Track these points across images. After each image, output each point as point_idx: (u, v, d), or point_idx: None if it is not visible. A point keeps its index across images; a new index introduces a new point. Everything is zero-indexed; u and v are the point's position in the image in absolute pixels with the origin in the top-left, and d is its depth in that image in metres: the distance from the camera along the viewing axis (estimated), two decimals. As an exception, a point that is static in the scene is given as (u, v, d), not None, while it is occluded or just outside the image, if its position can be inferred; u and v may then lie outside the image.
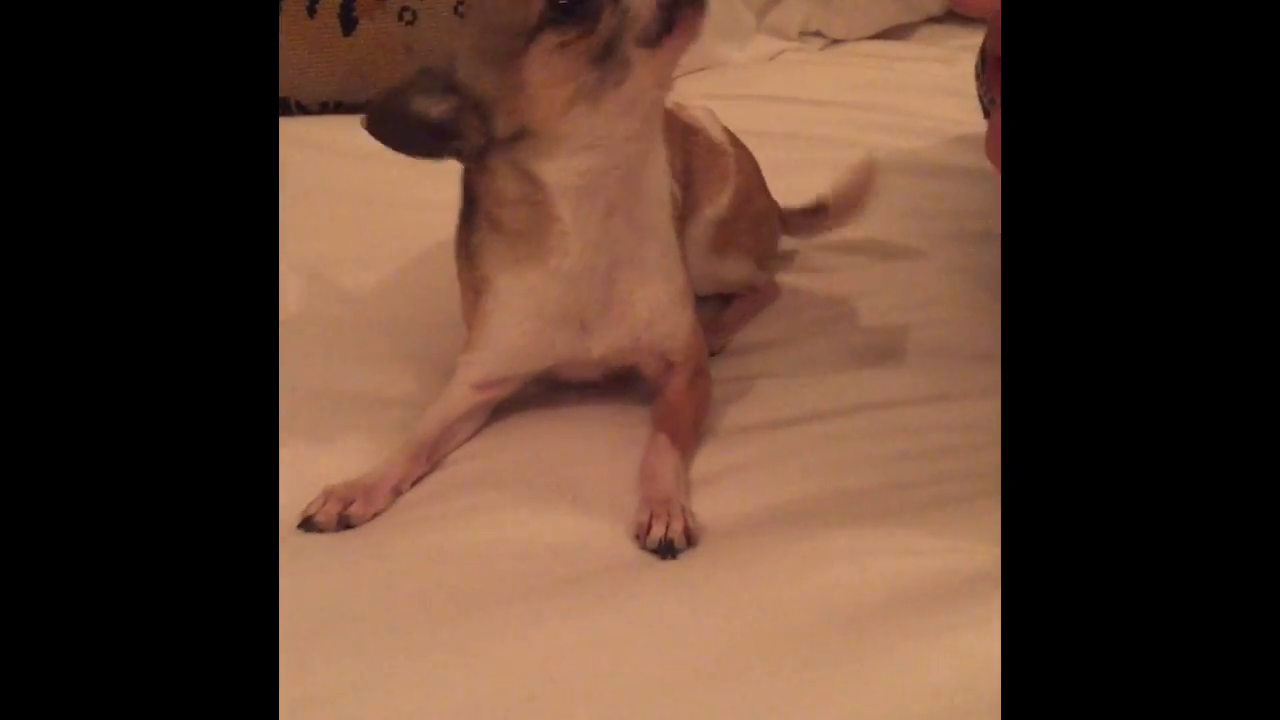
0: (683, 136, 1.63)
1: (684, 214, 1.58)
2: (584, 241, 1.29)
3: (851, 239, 1.88)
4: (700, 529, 1.18)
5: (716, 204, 1.65)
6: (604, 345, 1.37)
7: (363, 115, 1.23)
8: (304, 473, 1.29)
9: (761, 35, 2.85)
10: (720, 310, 1.70)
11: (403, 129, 1.22)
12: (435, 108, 1.22)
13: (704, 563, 1.14)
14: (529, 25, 1.16)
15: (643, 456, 1.30)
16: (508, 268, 1.33)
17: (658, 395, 1.41)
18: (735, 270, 1.69)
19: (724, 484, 1.29)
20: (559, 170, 1.25)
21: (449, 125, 1.22)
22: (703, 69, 2.66)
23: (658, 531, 1.16)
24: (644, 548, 1.16)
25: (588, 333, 1.35)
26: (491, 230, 1.34)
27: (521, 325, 1.35)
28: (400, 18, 2.20)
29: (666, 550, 1.15)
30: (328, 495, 1.27)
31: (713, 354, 1.58)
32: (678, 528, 1.16)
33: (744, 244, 1.69)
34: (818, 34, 2.89)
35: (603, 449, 1.36)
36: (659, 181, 1.36)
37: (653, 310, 1.37)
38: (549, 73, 1.17)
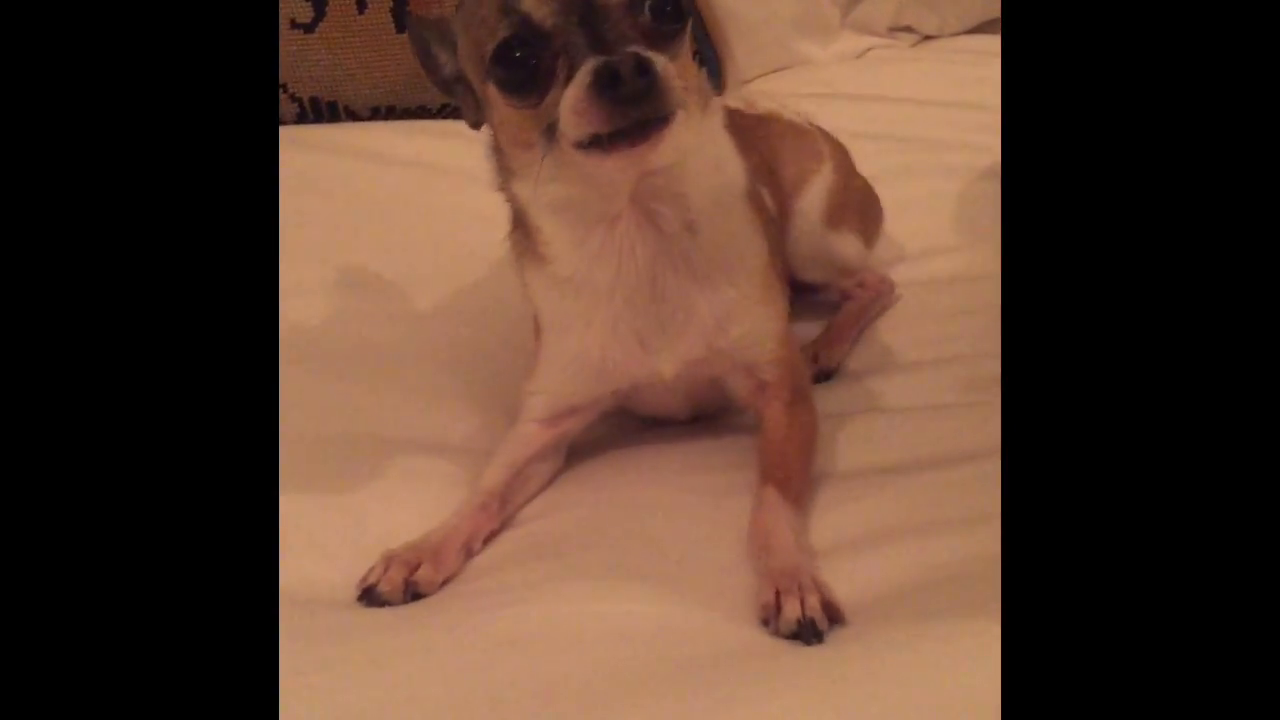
0: (758, 129, 1.54)
1: (782, 203, 1.49)
2: (579, 254, 1.18)
3: (955, 246, 1.70)
4: (841, 603, 0.97)
5: (821, 174, 1.57)
6: (675, 361, 1.21)
7: (408, 20, 1.24)
8: (354, 535, 1.14)
9: (847, 32, 2.66)
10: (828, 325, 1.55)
11: (424, 57, 1.21)
12: (445, 64, 1.20)
13: (856, 647, 0.92)
14: (484, 62, 1.08)
15: (752, 517, 1.10)
16: (531, 264, 1.24)
17: (758, 431, 1.23)
18: (848, 245, 1.60)
19: (852, 544, 1.08)
20: (526, 190, 1.16)
21: (452, 87, 1.20)
22: (783, 68, 2.48)
23: (792, 611, 0.95)
24: (776, 633, 0.95)
25: (651, 350, 1.21)
26: (519, 228, 1.26)
27: (572, 337, 1.22)
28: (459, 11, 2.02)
29: (809, 633, 0.94)
30: (389, 560, 1.11)
31: (827, 376, 1.45)
32: (815, 603, 0.96)
33: (852, 220, 1.61)
34: (908, 29, 2.71)
35: (696, 500, 1.18)
36: (714, 180, 1.20)
37: (722, 314, 1.21)
38: (503, 113, 1.11)
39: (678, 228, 1.17)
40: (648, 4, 1.04)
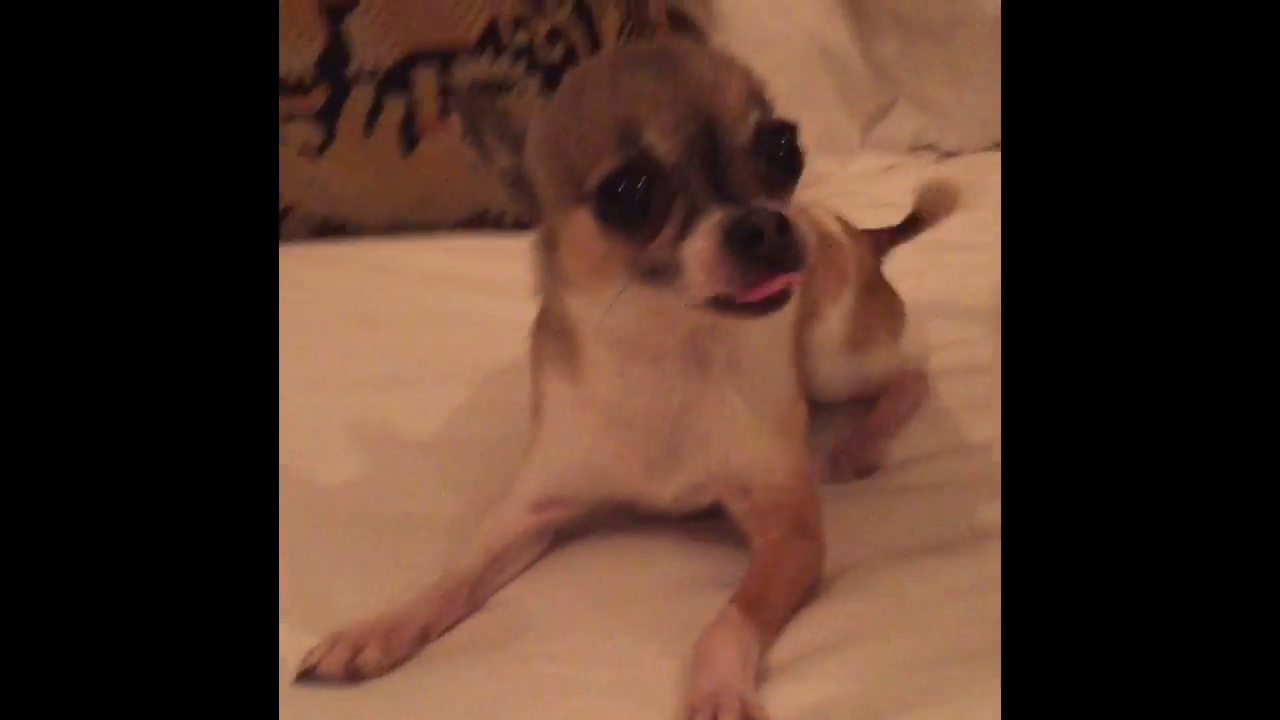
0: None
1: (801, 318, 1.40)
2: (618, 383, 1.12)
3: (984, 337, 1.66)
4: (764, 714, 0.90)
5: (841, 300, 1.46)
6: (675, 487, 1.15)
7: (455, 94, 1.19)
8: (319, 611, 1.08)
9: (868, 151, 2.62)
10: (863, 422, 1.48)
11: (474, 136, 1.12)
12: (500, 157, 1.10)
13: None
14: (583, 190, 0.98)
15: (704, 631, 1.01)
16: (558, 372, 1.17)
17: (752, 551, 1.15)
18: (879, 362, 1.51)
19: (817, 660, 1.01)
20: (583, 311, 1.09)
21: (506, 180, 1.11)
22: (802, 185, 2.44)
23: None
24: None
25: (655, 475, 1.15)
26: (546, 328, 1.19)
27: (575, 442, 1.17)
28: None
29: None
30: (336, 640, 1.03)
31: (868, 473, 1.38)
32: None
33: (879, 335, 1.52)
34: (930, 147, 2.66)
35: (682, 591, 1.11)
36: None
37: (731, 441, 1.14)
38: (589, 240, 1.00)
39: (723, 367, 1.12)
40: (767, 150, 0.97)
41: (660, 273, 0.95)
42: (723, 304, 0.93)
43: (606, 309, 1.02)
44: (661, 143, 0.94)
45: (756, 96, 0.99)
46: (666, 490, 1.16)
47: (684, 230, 0.93)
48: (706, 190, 0.93)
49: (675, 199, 0.94)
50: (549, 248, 1.08)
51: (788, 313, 1.16)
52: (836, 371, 1.45)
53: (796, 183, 1.00)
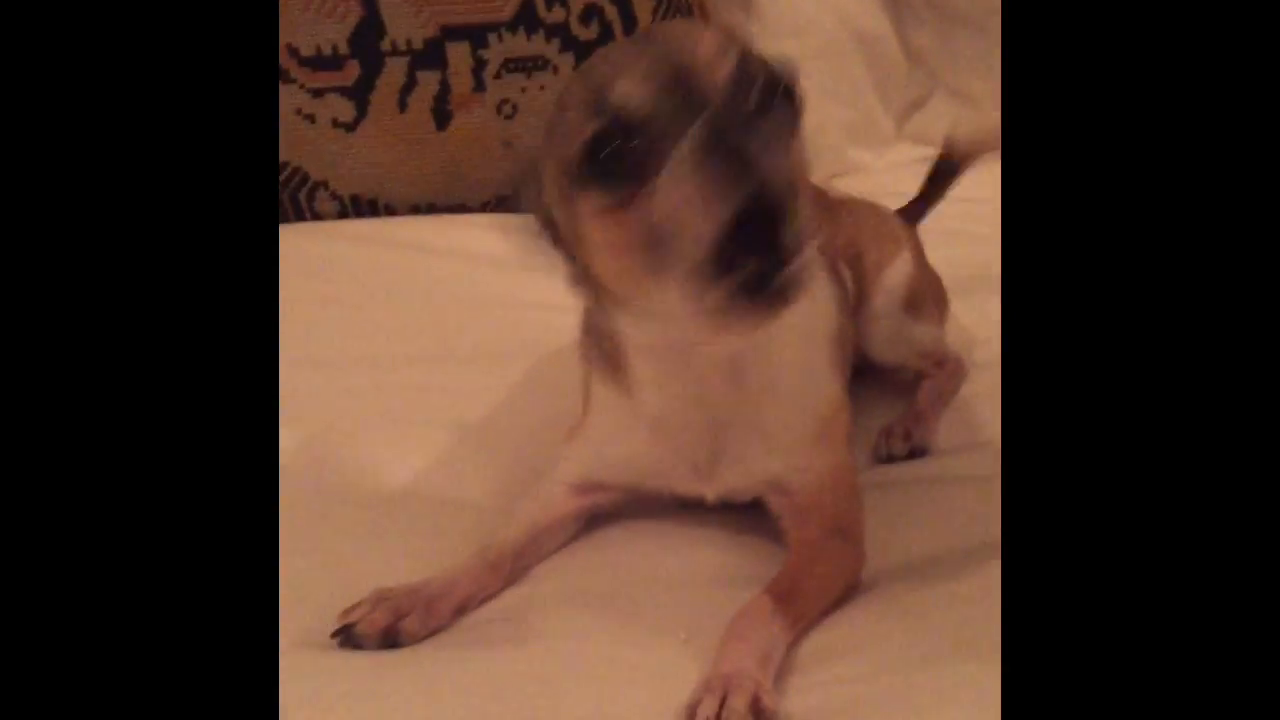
0: (841, 209, 1.50)
1: (863, 286, 1.44)
2: (664, 395, 1.11)
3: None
4: (776, 703, 0.88)
5: (900, 259, 1.52)
6: (719, 487, 1.15)
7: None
8: (349, 580, 1.06)
9: (903, 143, 2.59)
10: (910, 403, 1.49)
11: (531, 205, 1.06)
12: (532, 214, 1.05)
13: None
14: (572, 168, 0.93)
15: (731, 620, 0.99)
16: (603, 377, 1.17)
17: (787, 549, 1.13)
18: (926, 333, 1.54)
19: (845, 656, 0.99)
20: (629, 325, 1.06)
21: (544, 235, 1.04)
22: (836, 175, 2.41)
23: (705, 710, 0.86)
24: None
25: (700, 475, 1.14)
26: (591, 331, 1.18)
27: (620, 441, 1.17)
28: (499, 111, 1.99)
29: None
30: (379, 599, 1.02)
31: (922, 453, 1.38)
32: (739, 705, 0.86)
33: (929, 306, 1.56)
34: (966, 140, 2.61)
35: (720, 595, 1.07)
36: (802, 341, 1.13)
37: (772, 451, 1.13)
38: (601, 234, 0.95)
39: (761, 382, 1.11)
40: (758, 91, 0.90)
41: (662, 240, 0.89)
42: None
43: (646, 322, 0.99)
44: (633, 94, 0.89)
45: (736, 41, 0.93)
46: (710, 489, 1.16)
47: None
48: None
49: (662, 148, 0.87)
50: (582, 271, 1.02)
51: (827, 322, 1.17)
52: (894, 333, 1.48)
53: (798, 123, 0.93)
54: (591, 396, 1.19)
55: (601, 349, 1.15)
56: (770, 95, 0.91)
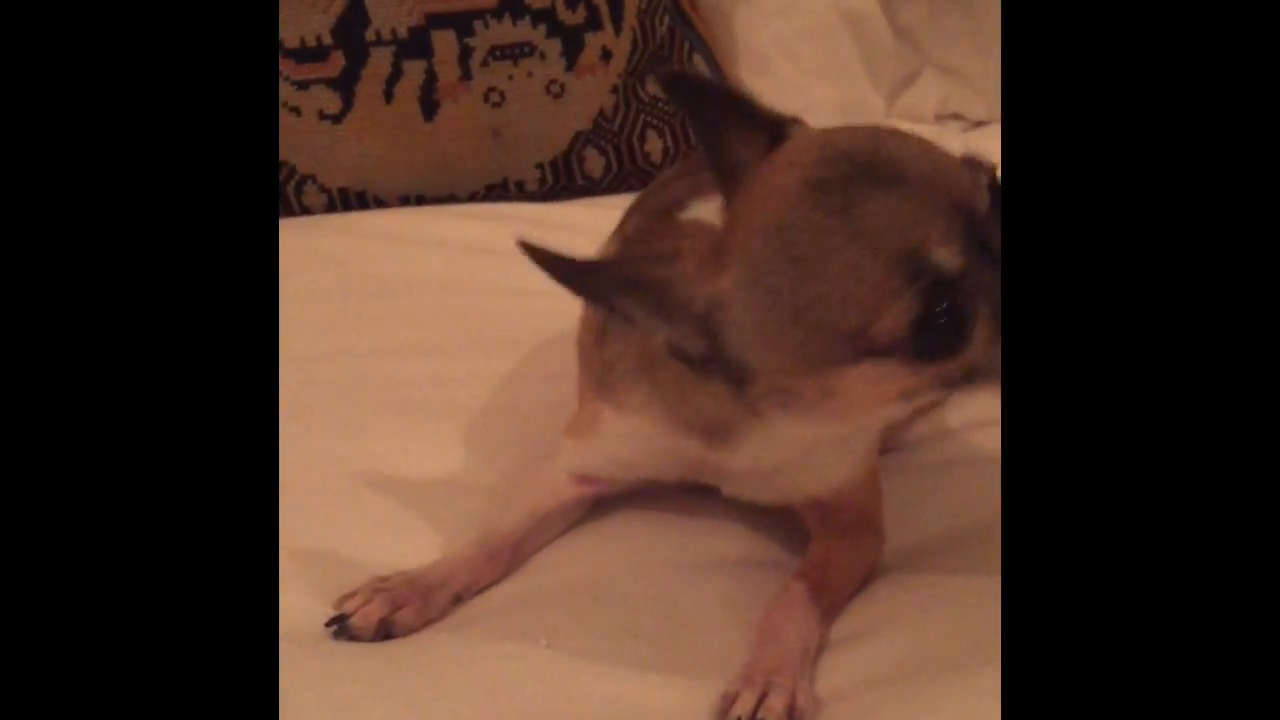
0: None
1: None
2: (755, 445, 1.01)
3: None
4: (814, 706, 0.89)
5: None
6: (737, 488, 1.13)
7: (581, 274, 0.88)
8: (347, 570, 1.06)
9: (893, 120, 2.57)
10: None
11: (608, 306, 0.91)
12: (681, 340, 0.90)
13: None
14: (869, 344, 0.86)
15: (769, 606, 0.99)
16: (605, 395, 1.08)
17: (810, 540, 1.12)
18: None
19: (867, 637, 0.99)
20: (796, 426, 0.96)
21: (675, 353, 0.92)
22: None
23: (742, 706, 0.86)
24: None
25: (722, 474, 1.10)
26: (637, 356, 1.06)
27: (626, 447, 1.11)
28: (486, 99, 1.97)
29: None
30: (375, 589, 1.00)
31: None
32: (777, 706, 0.86)
33: None
34: (956, 116, 2.61)
35: (720, 568, 1.07)
36: None
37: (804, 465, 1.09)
38: (875, 383, 0.89)
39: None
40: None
41: (969, 377, 0.89)
42: None
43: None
44: (948, 257, 0.84)
45: (967, 159, 0.91)
46: (728, 488, 1.13)
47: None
48: (995, 277, 0.85)
49: (976, 302, 0.86)
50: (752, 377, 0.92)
51: None
52: None
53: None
54: (592, 408, 1.14)
55: (605, 363, 1.09)
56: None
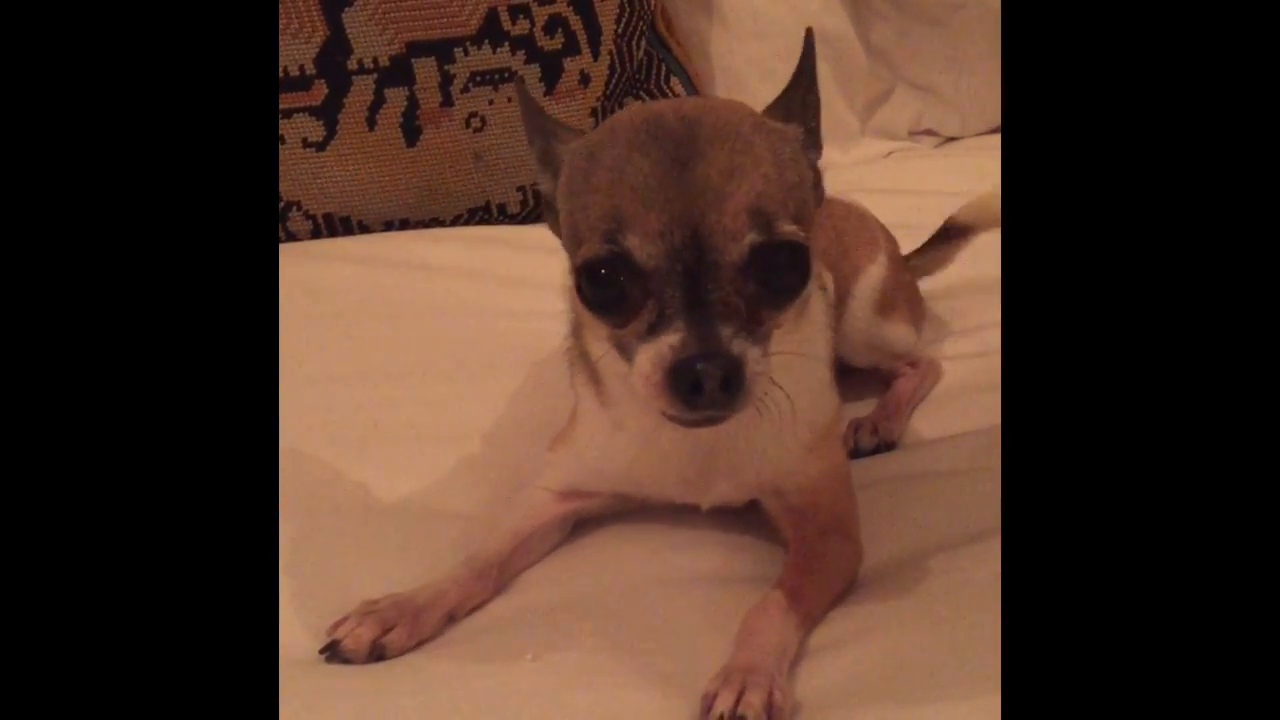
0: (825, 208, 1.44)
1: (843, 286, 1.45)
2: (643, 419, 1.09)
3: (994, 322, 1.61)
4: (791, 703, 0.91)
5: (876, 263, 1.55)
6: (712, 498, 1.16)
7: (526, 112, 1.10)
8: (342, 593, 1.07)
9: (868, 138, 2.62)
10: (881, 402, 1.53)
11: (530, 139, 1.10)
12: (543, 180, 1.09)
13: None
14: (573, 254, 0.99)
15: (748, 612, 1.02)
16: (588, 393, 1.17)
17: (787, 547, 1.15)
18: (898, 334, 1.57)
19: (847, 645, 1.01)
20: (597, 351, 1.06)
21: (545, 201, 1.09)
22: (805, 173, 2.43)
23: (722, 703, 0.89)
24: None
25: (689, 489, 1.15)
26: (578, 346, 1.17)
27: (608, 457, 1.16)
28: (468, 124, 2.01)
29: None
30: (365, 613, 1.03)
31: (890, 447, 1.43)
32: (755, 701, 0.89)
33: (902, 308, 1.58)
34: (929, 133, 2.66)
35: (700, 583, 1.10)
36: (798, 371, 1.11)
37: (765, 462, 1.14)
38: (578, 299, 1.00)
39: (753, 412, 1.09)
40: (764, 269, 0.93)
41: (626, 357, 0.95)
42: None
43: (608, 353, 1.01)
44: (642, 247, 0.92)
45: (763, 213, 0.93)
46: (703, 500, 1.17)
47: (651, 331, 0.92)
48: (679, 303, 0.91)
49: (649, 298, 0.93)
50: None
51: (820, 355, 1.17)
52: (867, 335, 1.51)
53: (792, 301, 0.97)
54: (580, 406, 1.19)
55: (586, 361, 1.15)
56: (779, 275, 0.94)
